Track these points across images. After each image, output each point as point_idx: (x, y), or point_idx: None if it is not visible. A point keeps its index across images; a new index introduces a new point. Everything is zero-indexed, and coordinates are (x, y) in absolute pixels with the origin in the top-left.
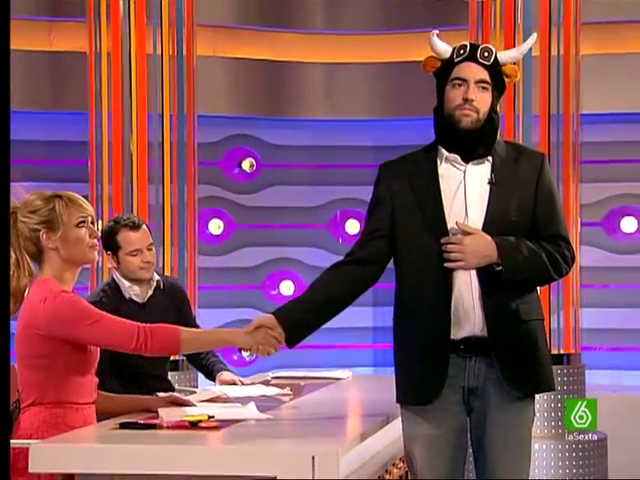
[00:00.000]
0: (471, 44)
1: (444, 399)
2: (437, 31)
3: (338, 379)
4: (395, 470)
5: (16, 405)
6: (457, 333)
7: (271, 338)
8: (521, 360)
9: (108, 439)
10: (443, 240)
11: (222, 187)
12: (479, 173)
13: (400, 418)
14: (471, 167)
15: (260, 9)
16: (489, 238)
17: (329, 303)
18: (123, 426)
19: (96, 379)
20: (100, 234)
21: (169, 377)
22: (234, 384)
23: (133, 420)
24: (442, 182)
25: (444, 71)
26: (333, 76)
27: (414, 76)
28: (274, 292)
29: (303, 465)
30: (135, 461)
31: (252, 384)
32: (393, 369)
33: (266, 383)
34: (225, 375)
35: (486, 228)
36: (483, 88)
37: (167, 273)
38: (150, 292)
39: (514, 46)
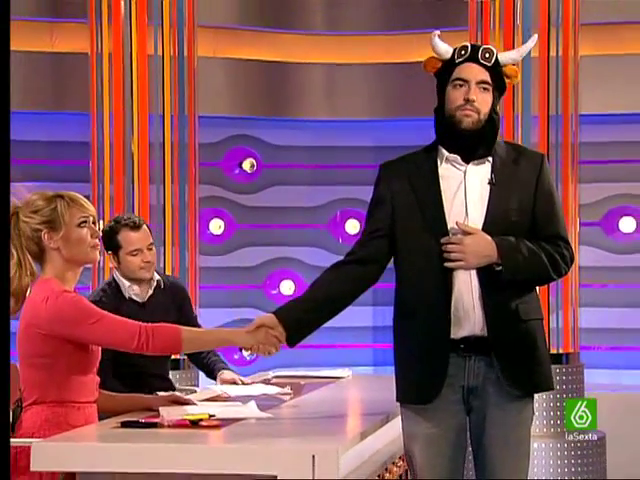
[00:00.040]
0: (472, 45)
1: (444, 398)
2: (439, 32)
3: (338, 378)
4: (395, 469)
5: (18, 404)
6: (457, 333)
7: (272, 337)
8: (520, 360)
9: (109, 438)
10: (443, 240)
11: (223, 187)
12: (479, 173)
13: (400, 417)
14: (471, 167)
15: (260, 10)
16: (489, 238)
17: (329, 303)
18: (124, 425)
19: (98, 378)
20: (101, 234)
21: (170, 376)
22: (235, 383)
23: (134, 419)
24: (442, 182)
25: (445, 72)
26: (333, 77)
27: (414, 77)
28: (274, 292)
29: (303, 464)
30: (136, 460)
31: (253, 383)
32: (393, 368)
33: (267, 382)
34: (226, 374)
35: (486, 228)
36: (484, 89)
37: (168, 273)
38: (150, 292)
39: (513, 47)
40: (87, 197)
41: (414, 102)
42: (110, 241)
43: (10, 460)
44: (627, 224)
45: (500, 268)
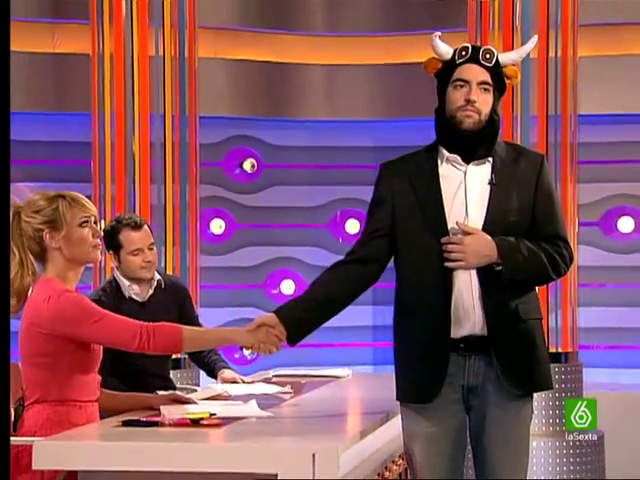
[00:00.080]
0: (473, 46)
1: (444, 397)
2: (439, 33)
3: (338, 377)
4: (395, 467)
5: (20, 403)
6: (457, 332)
7: (272, 336)
8: (520, 359)
9: (111, 437)
10: (443, 240)
11: (223, 187)
12: (479, 174)
13: (400, 416)
14: (472, 168)
15: (261, 11)
16: (489, 238)
17: (330, 302)
18: (125, 424)
19: (99, 377)
20: (102, 233)
21: (171, 375)
22: (235, 382)
23: (135, 418)
24: (443, 182)
25: (445, 72)
26: (333, 77)
27: (413, 77)
28: (275, 291)
29: (303, 462)
30: (137, 458)
31: (253, 382)
32: (393, 367)
33: (267, 381)
34: (226, 373)
35: (486, 228)
36: (485, 89)
37: (169, 272)
38: (151, 291)
39: (512, 48)
40: (89, 197)
41: (414, 103)
42: (111, 241)
43: (11, 459)
44: (625, 224)
45: (500, 268)
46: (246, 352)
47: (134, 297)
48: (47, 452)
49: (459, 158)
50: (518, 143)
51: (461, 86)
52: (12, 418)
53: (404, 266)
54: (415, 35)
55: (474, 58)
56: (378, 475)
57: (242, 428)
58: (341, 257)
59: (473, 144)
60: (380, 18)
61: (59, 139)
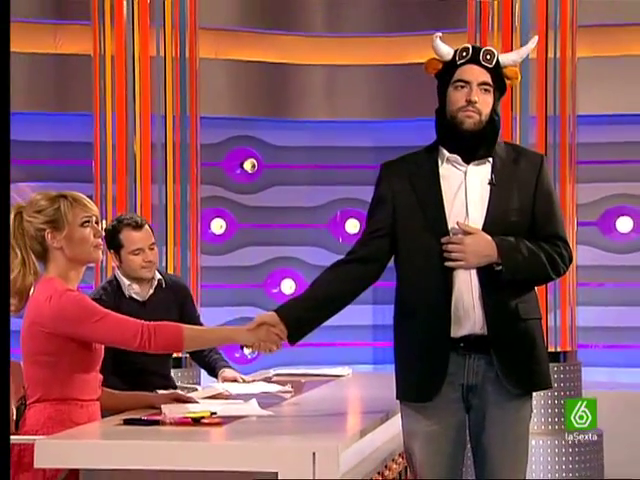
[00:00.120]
0: (473, 46)
1: (444, 396)
2: (440, 34)
3: (338, 376)
4: (394, 466)
5: (22, 402)
6: (457, 331)
7: (273, 335)
8: (520, 358)
9: (112, 435)
10: (444, 240)
11: (224, 187)
12: (480, 174)
13: (400, 415)
14: (472, 168)
15: (261, 12)
16: (489, 238)
17: (330, 301)
18: (127, 422)
19: (100, 376)
20: (103, 233)
21: (172, 374)
22: (236, 381)
23: (137, 417)
24: (443, 182)
25: (446, 73)
26: (333, 78)
27: (413, 78)
28: (275, 290)
29: (304, 461)
30: (138, 457)
31: (254, 381)
32: (393, 367)
33: (267, 380)
34: (227, 372)
35: (486, 228)
36: (485, 90)
37: (170, 272)
38: (151, 291)
39: (512, 49)
40: (90, 197)
41: (414, 103)
42: (112, 240)
43: (13, 457)
44: (624, 224)
45: (500, 268)
46: (247, 351)
47: (134, 296)
48: (49, 451)
49: (459, 158)
50: (517, 143)
51: (462, 87)
52: (14, 417)
53: (404, 266)
54: (415, 36)
55: (475, 59)
56: (378, 474)
57: (243, 427)
58: (341, 256)
59: (473, 144)
60: (380, 19)
61: (61, 139)
